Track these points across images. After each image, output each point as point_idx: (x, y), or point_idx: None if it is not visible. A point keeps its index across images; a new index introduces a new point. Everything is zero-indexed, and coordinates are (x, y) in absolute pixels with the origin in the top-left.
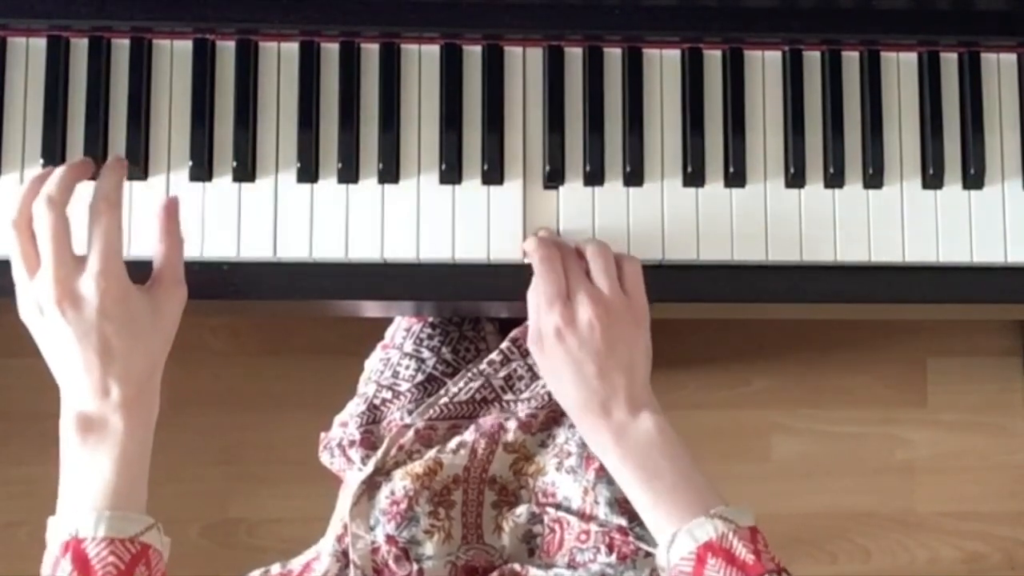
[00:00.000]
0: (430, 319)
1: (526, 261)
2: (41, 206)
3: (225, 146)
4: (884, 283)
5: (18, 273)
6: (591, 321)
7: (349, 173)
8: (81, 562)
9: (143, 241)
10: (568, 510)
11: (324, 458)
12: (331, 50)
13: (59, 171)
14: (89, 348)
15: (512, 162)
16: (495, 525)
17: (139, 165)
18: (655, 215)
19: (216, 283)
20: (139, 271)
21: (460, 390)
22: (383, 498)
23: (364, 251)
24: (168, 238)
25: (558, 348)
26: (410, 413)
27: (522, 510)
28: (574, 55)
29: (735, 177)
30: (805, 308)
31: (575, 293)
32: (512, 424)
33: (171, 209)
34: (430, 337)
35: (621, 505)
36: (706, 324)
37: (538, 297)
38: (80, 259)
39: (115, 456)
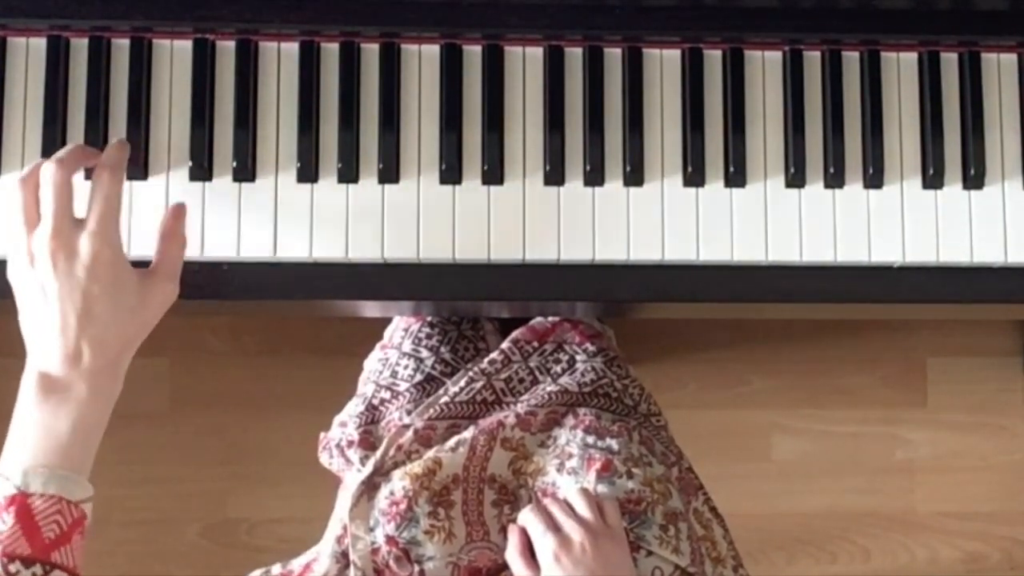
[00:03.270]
0: (428, 318)
1: (520, 524)
2: (50, 166)
3: (225, 146)
4: (884, 283)
5: (15, 228)
6: (583, 544)
7: (349, 173)
8: (26, 517)
9: (142, 241)
10: None
11: (323, 459)
12: (331, 50)
13: (71, 145)
14: (70, 307)
15: (512, 162)
16: (500, 525)
17: (139, 165)
18: (655, 215)
19: (216, 283)
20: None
21: (461, 390)
22: (382, 499)
23: (364, 251)
24: (171, 237)
25: (556, 570)
26: (409, 413)
27: (526, 510)
28: (574, 55)
29: (735, 177)
30: (805, 308)
31: (565, 525)
32: (510, 420)
33: (178, 212)
34: (429, 336)
35: (622, 506)
36: (706, 324)
37: (533, 531)
38: (80, 220)
39: (73, 419)
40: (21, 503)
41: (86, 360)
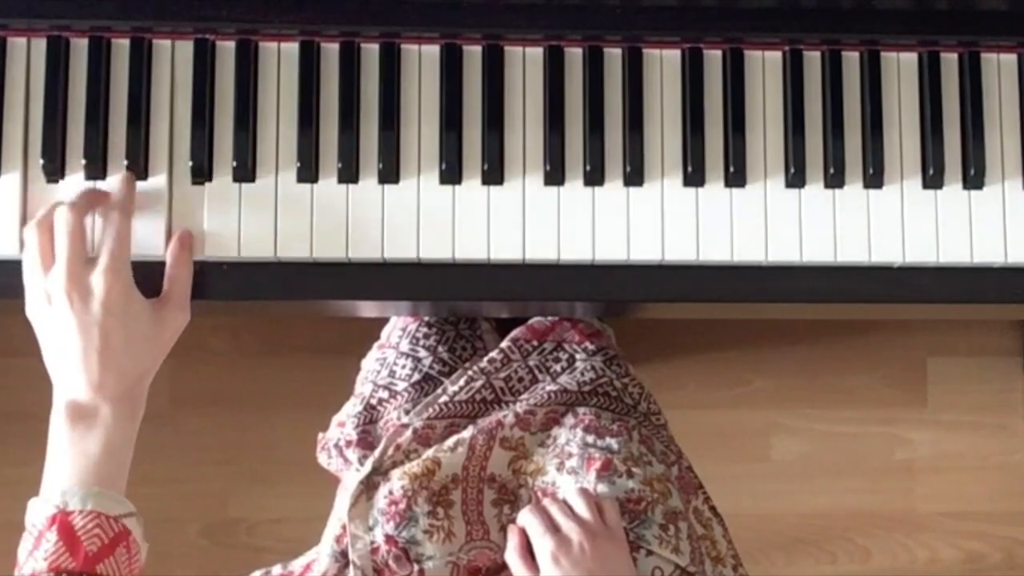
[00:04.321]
0: (426, 318)
1: (519, 525)
2: (63, 209)
3: (225, 146)
4: (884, 283)
5: (32, 268)
6: (581, 544)
7: (349, 173)
8: (68, 534)
9: (145, 241)
10: None
11: (322, 459)
12: (331, 50)
13: (83, 188)
14: (90, 341)
15: (512, 162)
16: (499, 524)
17: (139, 165)
18: (655, 215)
19: (216, 283)
20: (139, 271)
21: (460, 389)
22: (381, 498)
23: (364, 251)
24: (181, 266)
25: (555, 570)
26: (407, 413)
27: (525, 510)
28: (574, 55)
29: (735, 177)
30: (805, 308)
31: (564, 525)
32: (510, 419)
33: (184, 240)
34: (426, 336)
35: (622, 506)
36: (706, 324)
37: (532, 531)
38: (92, 260)
39: (102, 442)
40: (62, 521)
41: (109, 387)
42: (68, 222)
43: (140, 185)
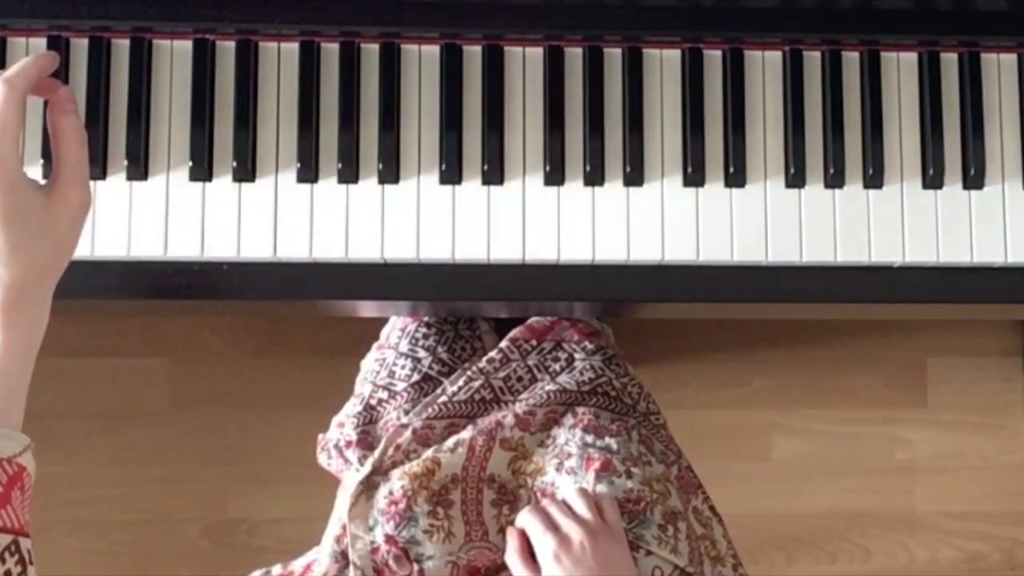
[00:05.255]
0: (425, 319)
1: (518, 525)
2: None
3: (225, 146)
4: (884, 283)
5: None
6: (582, 543)
7: (349, 173)
8: None
9: (145, 241)
10: None
11: (322, 459)
12: (331, 50)
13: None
14: None
15: (512, 162)
16: (499, 524)
17: (139, 165)
18: (655, 215)
19: (216, 283)
20: (139, 271)
21: (460, 389)
22: (381, 498)
23: (364, 251)
24: (67, 138)
25: (556, 570)
26: (407, 413)
27: (525, 511)
28: (574, 55)
29: (735, 177)
30: (805, 308)
31: (564, 525)
32: (509, 420)
33: (65, 101)
34: (425, 336)
35: (621, 506)
36: (707, 324)
37: (532, 531)
38: None
39: None
40: None
41: None
42: None
43: (139, 186)
